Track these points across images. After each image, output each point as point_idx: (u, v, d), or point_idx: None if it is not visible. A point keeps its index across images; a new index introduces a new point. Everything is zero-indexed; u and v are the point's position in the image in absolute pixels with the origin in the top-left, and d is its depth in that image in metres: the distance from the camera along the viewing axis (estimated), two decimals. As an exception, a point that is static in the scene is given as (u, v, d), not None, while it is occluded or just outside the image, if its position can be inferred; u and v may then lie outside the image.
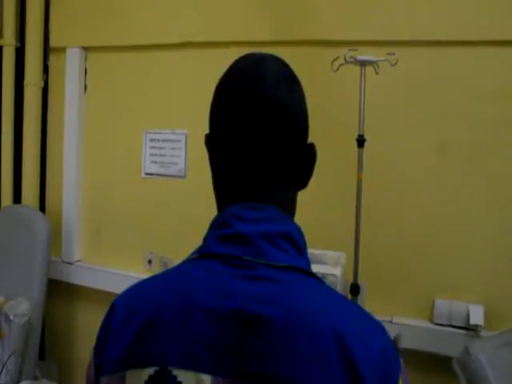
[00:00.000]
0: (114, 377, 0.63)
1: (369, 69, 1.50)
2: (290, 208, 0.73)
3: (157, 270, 2.00)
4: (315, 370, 0.56)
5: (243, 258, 0.63)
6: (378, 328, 0.63)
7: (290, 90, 0.69)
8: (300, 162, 0.71)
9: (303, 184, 0.73)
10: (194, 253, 0.68)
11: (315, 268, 1.31)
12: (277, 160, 0.68)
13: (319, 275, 1.25)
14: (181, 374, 0.59)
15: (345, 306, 0.64)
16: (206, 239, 0.68)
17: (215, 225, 0.69)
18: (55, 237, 2.20)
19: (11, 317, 1.87)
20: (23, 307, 1.92)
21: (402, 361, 0.62)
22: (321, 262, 1.42)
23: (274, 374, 0.56)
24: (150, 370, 0.60)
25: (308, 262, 0.68)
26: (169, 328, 0.61)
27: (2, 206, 2.29)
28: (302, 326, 0.58)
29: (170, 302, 0.63)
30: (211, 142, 0.72)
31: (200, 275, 0.64)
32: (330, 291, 0.67)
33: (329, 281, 1.30)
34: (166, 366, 0.59)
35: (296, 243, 0.66)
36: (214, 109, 0.72)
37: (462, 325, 1.62)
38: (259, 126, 0.67)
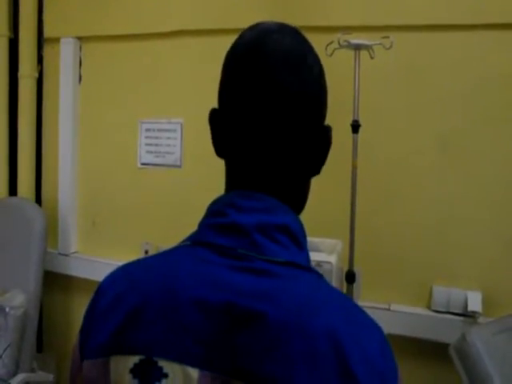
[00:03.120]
0: (97, 361, 0.61)
1: (365, 54, 1.48)
2: (297, 196, 0.69)
3: (153, 260, 1.99)
4: (307, 371, 0.53)
5: (237, 251, 0.59)
6: (375, 329, 0.60)
7: (295, 71, 0.63)
8: (309, 146, 0.66)
9: (315, 170, 0.68)
10: (185, 239, 0.65)
11: (311, 256, 1.31)
12: (278, 143, 0.63)
13: (317, 268, 1.25)
14: (167, 366, 0.57)
15: (342, 305, 0.60)
16: (199, 226, 0.65)
17: (210, 212, 0.65)
18: (51, 229, 2.19)
19: (7, 309, 1.86)
20: (19, 299, 1.91)
21: (399, 369, 0.59)
22: (317, 249, 1.41)
23: (263, 373, 0.54)
24: (135, 358, 0.58)
25: (307, 257, 0.64)
26: (156, 316, 0.58)
27: (-2, 198, 2.27)
28: (296, 325, 0.54)
29: (158, 290, 0.60)
30: (217, 118, 0.68)
31: (190, 264, 0.61)
32: (328, 288, 0.63)
33: (324, 268, 1.29)
34: (152, 355, 0.57)
35: (295, 236, 0.62)
36: (222, 85, 0.67)
37: (460, 311, 1.61)
38: (261, 108, 0.62)
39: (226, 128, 0.66)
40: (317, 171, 0.69)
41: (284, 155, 0.64)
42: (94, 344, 0.62)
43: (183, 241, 0.65)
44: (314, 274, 0.62)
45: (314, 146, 0.66)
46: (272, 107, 0.62)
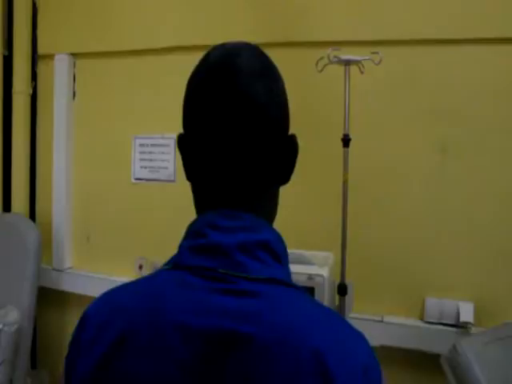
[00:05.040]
0: None
1: (355, 69, 1.50)
2: (270, 207, 0.70)
3: (148, 275, 2.00)
4: None
5: (218, 271, 0.59)
6: (361, 343, 0.60)
7: (267, 85, 0.65)
8: (280, 157, 0.67)
9: (285, 179, 0.69)
10: (166, 263, 0.65)
11: (303, 269, 1.32)
12: (254, 160, 0.64)
13: (309, 281, 1.25)
14: None
15: (327, 322, 0.60)
16: (179, 249, 0.64)
17: (189, 234, 0.65)
18: (46, 244, 2.19)
19: (0, 326, 1.85)
20: (13, 316, 1.91)
21: (382, 375, 0.59)
22: (309, 262, 1.42)
23: None
24: None
25: (288, 272, 0.65)
26: (141, 345, 0.58)
27: (-8, 214, 2.27)
28: (284, 346, 0.54)
29: (142, 317, 0.59)
30: (184, 142, 0.68)
31: (173, 289, 0.60)
32: (312, 304, 0.63)
33: (316, 281, 1.30)
34: None
35: (275, 252, 0.63)
36: (187, 106, 0.67)
37: (453, 322, 1.62)
38: (235, 124, 0.63)
39: (197, 149, 0.66)
40: (287, 180, 0.70)
41: (257, 170, 0.65)
42: (79, 375, 0.61)
43: (165, 264, 0.65)
44: (296, 290, 0.62)
45: (284, 156, 0.68)
46: (248, 124, 0.63)
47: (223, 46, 0.68)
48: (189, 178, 0.70)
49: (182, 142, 0.69)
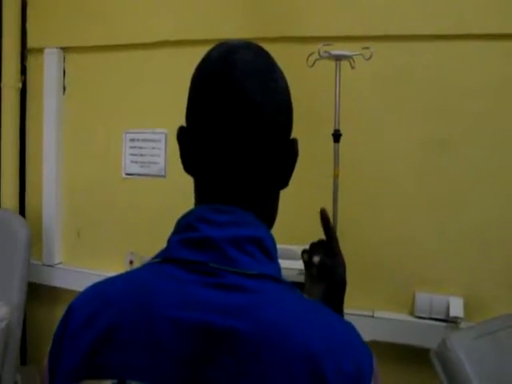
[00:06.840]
0: None
1: (345, 64, 1.50)
2: (267, 209, 0.70)
3: (138, 270, 1.99)
4: None
5: (209, 265, 0.59)
6: (350, 336, 0.60)
7: (264, 83, 0.65)
8: (277, 160, 0.67)
9: (283, 182, 0.70)
10: (156, 256, 0.64)
11: (293, 264, 1.31)
12: (247, 157, 0.64)
13: (299, 276, 1.25)
14: None
15: (317, 317, 0.60)
16: (169, 242, 0.64)
17: (180, 227, 0.65)
18: (36, 240, 2.18)
19: (-11, 321, 1.84)
20: (2, 312, 1.89)
21: (375, 366, 0.59)
22: (299, 258, 1.41)
23: None
24: (108, 383, 0.57)
25: (279, 269, 0.65)
26: (129, 338, 0.57)
27: (-19, 210, 2.25)
28: (272, 343, 0.54)
29: (131, 310, 0.59)
30: (184, 135, 0.69)
31: (162, 282, 0.60)
32: (302, 300, 0.63)
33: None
34: (125, 378, 0.56)
35: (266, 248, 0.63)
36: (189, 101, 0.68)
37: (443, 317, 1.63)
38: (229, 122, 0.63)
39: (195, 144, 0.67)
40: (285, 184, 0.70)
41: (253, 170, 0.65)
42: (65, 368, 0.60)
43: (154, 257, 0.64)
44: (285, 286, 0.63)
45: (282, 160, 0.68)
46: (242, 121, 0.63)
47: (225, 43, 0.69)
48: (186, 169, 0.71)
49: (182, 135, 0.70)
